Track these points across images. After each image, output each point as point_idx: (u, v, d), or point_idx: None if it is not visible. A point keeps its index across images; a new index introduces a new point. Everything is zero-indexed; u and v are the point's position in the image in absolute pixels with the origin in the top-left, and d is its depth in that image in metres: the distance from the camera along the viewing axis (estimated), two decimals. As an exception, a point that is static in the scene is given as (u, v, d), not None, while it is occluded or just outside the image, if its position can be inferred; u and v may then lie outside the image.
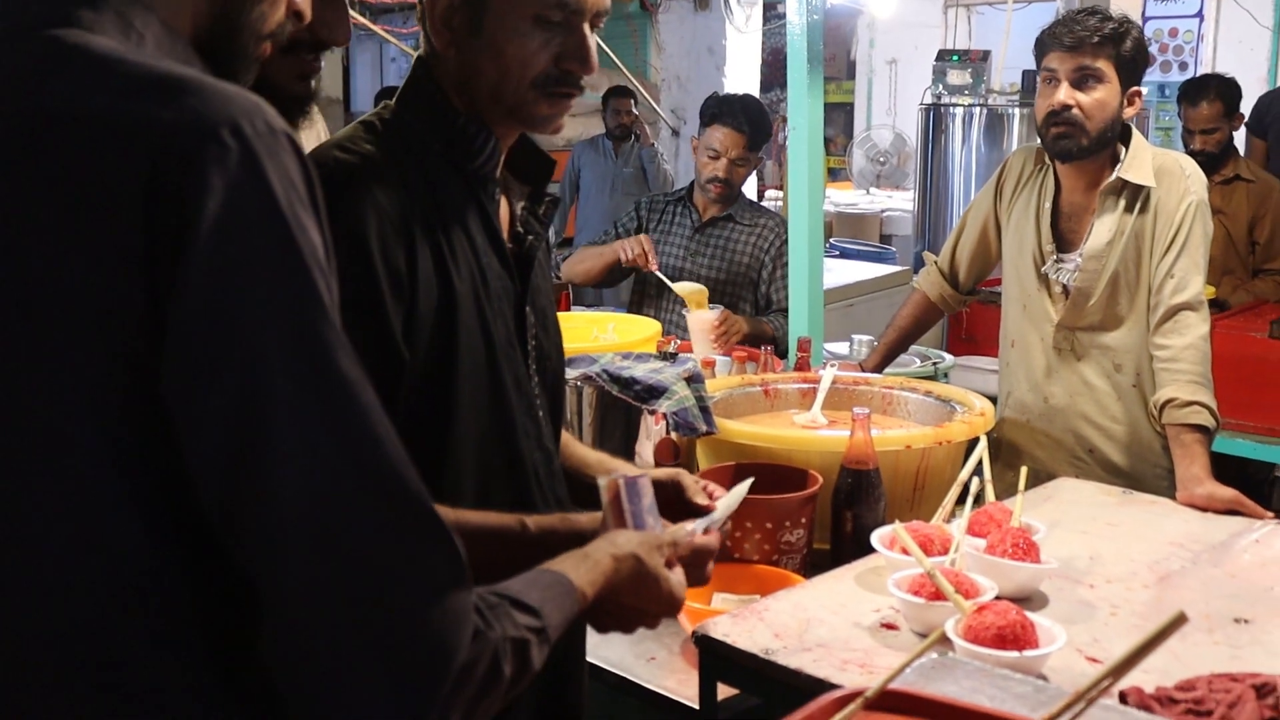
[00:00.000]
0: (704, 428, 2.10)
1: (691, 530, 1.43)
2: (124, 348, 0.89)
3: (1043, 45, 2.66)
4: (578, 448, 1.80)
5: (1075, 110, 2.57)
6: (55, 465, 0.92)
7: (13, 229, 0.90)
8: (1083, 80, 2.58)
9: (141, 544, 0.92)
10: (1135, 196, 2.63)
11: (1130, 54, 2.59)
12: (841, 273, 5.02)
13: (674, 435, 2.22)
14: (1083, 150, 2.61)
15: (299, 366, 0.89)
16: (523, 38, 1.50)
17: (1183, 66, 9.41)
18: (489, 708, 1.01)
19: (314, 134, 2.32)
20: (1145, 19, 9.05)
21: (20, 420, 0.92)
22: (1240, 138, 4.97)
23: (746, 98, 3.92)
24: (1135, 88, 2.63)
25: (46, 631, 0.94)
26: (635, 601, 1.33)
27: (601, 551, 1.29)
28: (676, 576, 1.37)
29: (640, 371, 2.20)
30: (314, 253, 0.91)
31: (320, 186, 0.96)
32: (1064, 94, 2.58)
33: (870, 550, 1.94)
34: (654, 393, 2.17)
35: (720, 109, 3.69)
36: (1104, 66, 2.58)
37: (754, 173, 3.99)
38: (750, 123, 3.64)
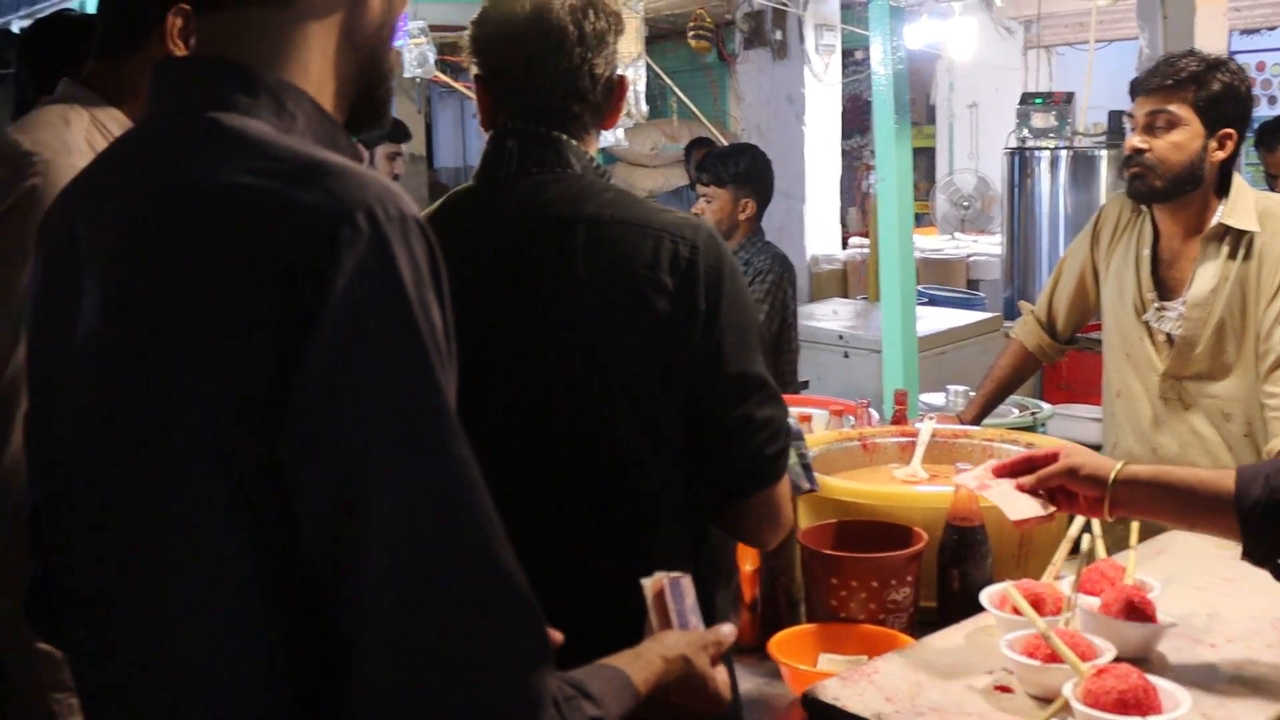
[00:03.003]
0: (806, 485, 2.08)
1: (731, 630, 1.42)
2: (253, 414, 0.93)
3: (1130, 91, 2.66)
4: None
5: (1148, 154, 2.58)
6: (184, 527, 0.97)
7: (155, 293, 0.97)
8: (1156, 124, 2.58)
9: (254, 605, 0.96)
10: (1238, 242, 2.59)
11: (1215, 96, 2.56)
12: (931, 320, 4.97)
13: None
14: (1156, 193, 2.61)
15: (406, 439, 0.93)
16: None
17: (1271, 101, 9.25)
18: None
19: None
20: (1230, 54, 8.91)
21: (154, 481, 0.98)
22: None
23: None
24: (1226, 130, 2.58)
25: (165, 687, 1.00)
26: (683, 700, 1.33)
27: (652, 652, 1.30)
28: (721, 675, 1.37)
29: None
30: (434, 334, 0.95)
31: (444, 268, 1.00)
32: (1136, 138, 2.62)
33: (978, 609, 1.90)
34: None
35: None
36: (1179, 110, 2.56)
37: (743, 210, 3.97)
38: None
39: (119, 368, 1.01)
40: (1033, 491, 1.85)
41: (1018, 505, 1.85)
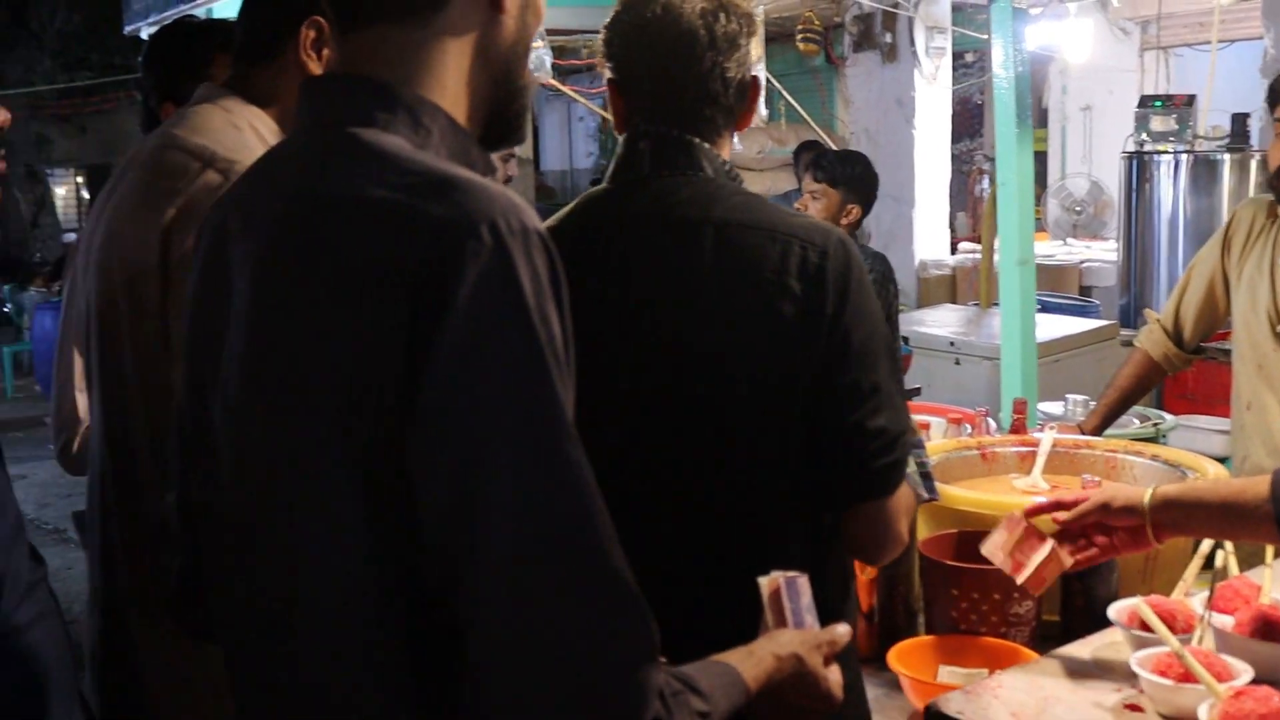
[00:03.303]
0: (926, 495, 2.05)
1: (846, 630, 1.41)
2: (381, 413, 0.98)
3: (1274, 94, 2.57)
4: None
5: None
6: (316, 519, 1.03)
7: (295, 297, 1.03)
8: None
9: (372, 591, 1.02)
10: (1380, 250, 2.50)
11: None
12: (1045, 328, 4.86)
13: (895, 502, 2.17)
14: None
15: (522, 441, 0.97)
16: None
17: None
18: None
19: None
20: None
21: (291, 475, 1.05)
22: None
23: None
24: None
25: (296, 669, 1.07)
26: (796, 699, 1.34)
27: (765, 650, 1.31)
28: (834, 675, 1.37)
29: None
30: (551, 342, 0.99)
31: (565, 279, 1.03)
32: None
33: (1103, 624, 1.86)
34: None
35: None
36: None
37: (847, 214, 3.97)
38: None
39: (262, 366, 1.07)
40: (1069, 531, 1.81)
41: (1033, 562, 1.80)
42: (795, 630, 1.36)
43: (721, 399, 1.59)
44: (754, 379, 1.58)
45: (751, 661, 1.27)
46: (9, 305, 14.12)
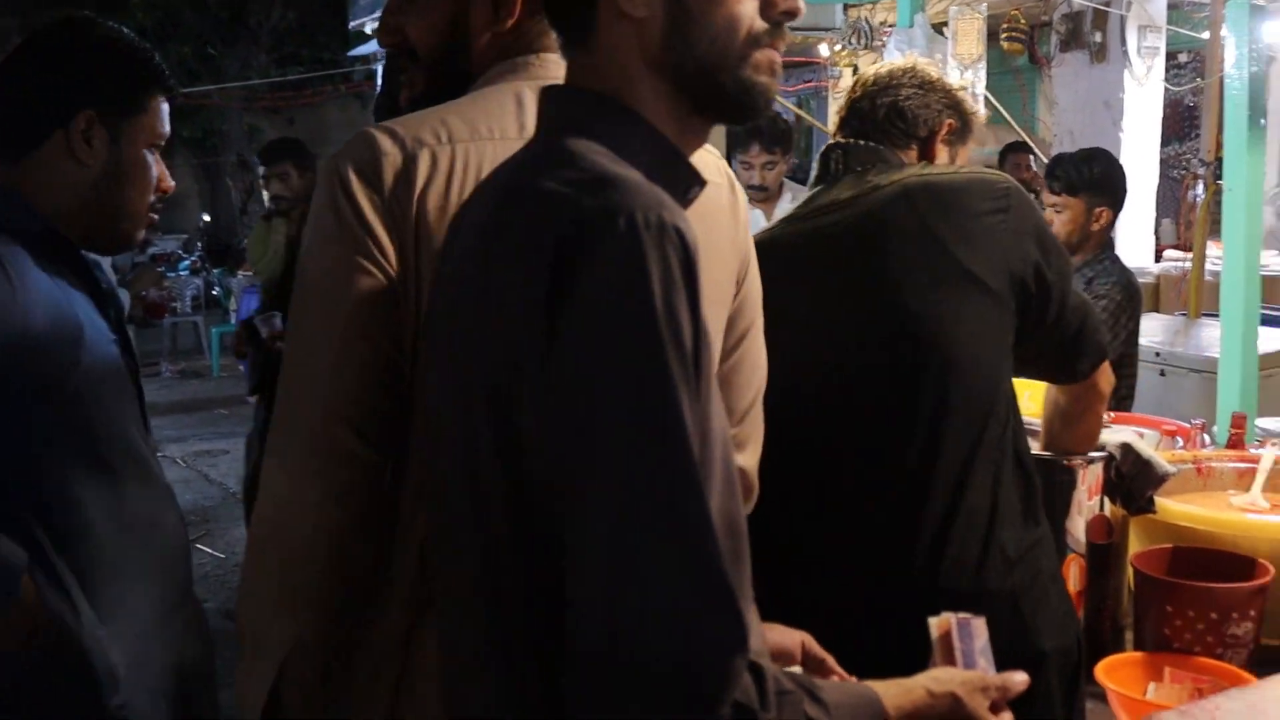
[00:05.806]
0: (1173, 470, 2.03)
1: (1023, 679, 1.34)
2: (521, 379, 1.06)
3: None
4: None
5: None
6: (467, 479, 1.14)
7: (473, 272, 1.14)
8: None
9: (507, 540, 1.09)
10: None
11: None
12: (1261, 340, 4.63)
13: (1108, 512, 2.10)
14: None
15: (626, 419, 1.01)
16: None
17: None
18: None
19: None
20: None
21: (448, 413, 1.17)
22: None
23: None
24: None
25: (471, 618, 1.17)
26: None
27: (918, 683, 1.28)
28: None
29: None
30: (675, 332, 1.02)
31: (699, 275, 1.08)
32: None
33: (1330, 651, 1.77)
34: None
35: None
36: None
37: (1096, 220, 3.68)
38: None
39: (445, 336, 1.18)
40: None
41: None
42: (960, 669, 1.33)
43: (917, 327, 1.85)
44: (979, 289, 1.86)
45: (898, 690, 1.25)
46: (217, 288, 14.82)
